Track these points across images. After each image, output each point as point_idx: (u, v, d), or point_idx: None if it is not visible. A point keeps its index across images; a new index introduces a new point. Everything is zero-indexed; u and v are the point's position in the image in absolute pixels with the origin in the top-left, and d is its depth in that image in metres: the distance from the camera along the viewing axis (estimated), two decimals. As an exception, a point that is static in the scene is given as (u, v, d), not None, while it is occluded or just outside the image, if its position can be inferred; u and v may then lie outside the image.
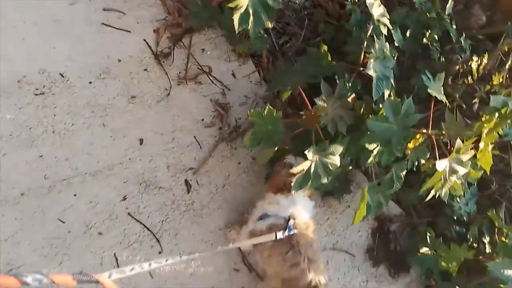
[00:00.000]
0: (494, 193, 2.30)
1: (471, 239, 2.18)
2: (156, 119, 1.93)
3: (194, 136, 1.99)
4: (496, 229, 2.17)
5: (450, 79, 2.11)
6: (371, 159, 1.80)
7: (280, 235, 1.60)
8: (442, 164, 1.59)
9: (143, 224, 1.83)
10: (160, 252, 1.84)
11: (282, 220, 1.70)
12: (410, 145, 1.82)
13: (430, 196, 1.74)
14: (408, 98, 1.63)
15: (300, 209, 1.69)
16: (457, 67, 2.15)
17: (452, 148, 1.65)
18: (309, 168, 1.61)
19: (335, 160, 1.63)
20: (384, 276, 2.31)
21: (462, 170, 1.72)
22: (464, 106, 2.00)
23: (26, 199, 1.67)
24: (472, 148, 1.72)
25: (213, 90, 2.08)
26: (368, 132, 1.64)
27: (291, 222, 1.67)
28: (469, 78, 2.04)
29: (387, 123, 1.64)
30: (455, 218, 2.28)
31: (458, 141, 1.61)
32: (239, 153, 2.09)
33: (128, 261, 1.78)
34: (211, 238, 1.96)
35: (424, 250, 2.19)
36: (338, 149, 1.64)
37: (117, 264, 1.76)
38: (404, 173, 1.96)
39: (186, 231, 1.91)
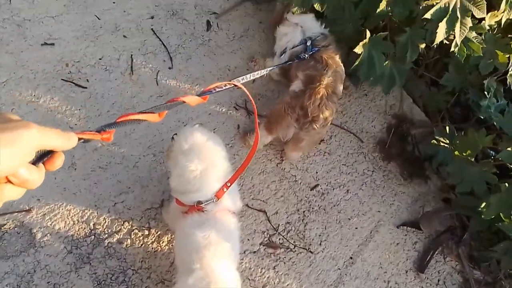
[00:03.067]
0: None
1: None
2: (195, -32, 2.52)
3: (225, -11, 2.53)
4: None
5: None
6: (382, 7, 2.07)
7: (302, 56, 1.97)
8: None
9: (162, 41, 2.35)
10: (170, 68, 2.32)
11: (299, 48, 2.07)
12: (429, 3, 2.05)
13: (440, 37, 1.91)
14: None
15: (309, 27, 2.04)
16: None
17: None
18: None
19: None
20: (393, 174, 2.44)
21: (477, 12, 1.90)
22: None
23: (77, -6, 2.31)
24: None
25: (251, -41, 2.63)
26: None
27: (308, 42, 2.03)
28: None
29: None
30: (485, 123, 2.33)
31: None
32: (263, 14, 2.57)
33: (141, 65, 2.28)
34: (218, 72, 2.38)
35: (440, 139, 2.26)
36: None
37: (132, 64, 2.26)
38: (423, 45, 2.20)
39: (198, 59, 2.37)
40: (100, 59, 2.26)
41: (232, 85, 1.22)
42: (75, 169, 2.02)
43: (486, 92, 2.28)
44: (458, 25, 1.88)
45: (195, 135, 1.56)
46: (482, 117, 2.32)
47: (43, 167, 0.61)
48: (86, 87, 2.18)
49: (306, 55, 2.02)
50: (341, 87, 2.01)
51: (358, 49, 2.11)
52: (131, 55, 2.31)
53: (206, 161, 1.54)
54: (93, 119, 2.13)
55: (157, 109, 0.87)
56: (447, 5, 1.85)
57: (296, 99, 1.96)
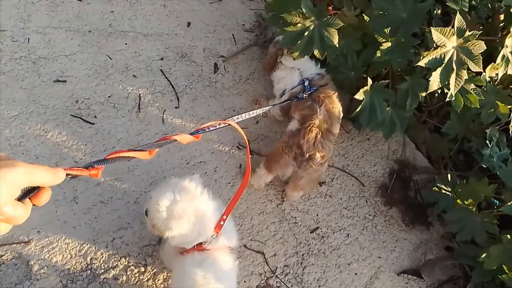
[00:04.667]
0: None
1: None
2: (205, 13, 2.74)
3: (232, 34, 2.72)
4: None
5: None
6: (379, 54, 2.22)
7: (300, 96, 2.13)
8: (439, 36, 1.95)
9: (170, 82, 2.50)
10: (176, 107, 2.46)
11: (297, 88, 2.20)
12: (427, 54, 2.16)
13: (433, 86, 2.04)
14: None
15: (305, 68, 2.18)
16: None
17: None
18: (305, 30, 2.10)
19: (333, 34, 2.07)
20: (395, 220, 2.48)
21: (473, 66, 2.02)
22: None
23: (91, 35, 2.51)
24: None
25: (258, 6, 2.85)
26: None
27: (306, 83, 2.17)
28: None
29: (394, 5, 2.09)
30: (488, 172, 2.40)
31: (458, 16, 1.95)
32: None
33: (148, 103, 2.42)
34: (223, 113, 2.51)
35: (441, 187, 2.32)
36: (338, 23, 2.08)
37: (139, 103, 2.40)
38: (423, 94, 2.33)
39: (204, 100, 2.51)
40: (109, 96, 2.40)
41: (226, 124, 1.29)
42: (77, 202, 2.09)
43: (488, 141, 2.36)
44: (453, 76, 1.99)
45: (164, 199, 1.57)
46: (485, 166, 2.38)
47: (29, 202, 0.64)
48: (93, 123, 2.30)
49: (305, 95, 2.14)
50: (337, 126, 2.10)
51: (359, 96, 2.23)
52: (139, 94, 2.45)
53: (192, 208, 1.58)
54: (98, 155, 2.23)
55: (148, 147, 0.94)
56: (442, 56, 1.98)
57: (293, 138, 2.06)
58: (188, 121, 2.45)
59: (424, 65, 1.97)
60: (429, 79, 2.03)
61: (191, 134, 1.12)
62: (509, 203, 2.03)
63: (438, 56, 1.97)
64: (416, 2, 2.10)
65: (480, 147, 2.41)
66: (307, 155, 1.99)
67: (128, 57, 2.54)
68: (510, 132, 2.37)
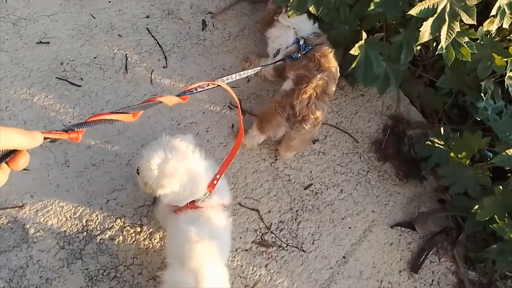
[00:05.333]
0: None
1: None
2: (191, -33, 2.62)
3: (221, -12, 2.62)
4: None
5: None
6: (373, 7, 2.15)
7: (295, 56, 2.08)
8: None
9: (157, 41, 2.44)
10: (164, 67, 2.42)
11: (292, 47, 2.15)
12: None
13: (424, 37, 2.00)
14: None
15: (301, 27, 2.12)
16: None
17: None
18: None
19: None
20: (389, 174, 2.51)
21: (466, 18, 1.98)
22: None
23: (73, -7, 2.41)
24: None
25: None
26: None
27: (301, 42, 2.11)
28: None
29: None
30: (483, 125, 2.39)
31: None
32: (259, 14, 2.65)
33: (135, 64, 2.38)
34: (213, 72, 2.48)
35: (434, 141, 2.33)
36: None
37: (126, 63, 2.35)
38: (418, 48, 2.28)
39: (193, 59, 2.46)
40: (94, 57, 2.35)
41: (215, 85, 1.27)
42: (68, 166, 2.10)
43: (483, 94, 2.35)
44: (445, 27, 1.96)
45: (155, 157, 1.57)
46: (479, 119, 2.39)
47: (6, 166, 0.63)
48: (80, 86, 2.27)
49: (299, 54, 2.10)
50: (333, 87, 2.08)
51: (354, 51, 2.19)
52: (126, 54, 2.40)
53: (184, 167, 1.59)
54: (86, 117, 2.21)
55: (132, 109, 0.91)
56: (435, 6, 1.93)
57: (287, 98, 2.03)
58: (177, 81, 2.42)
59: (415, 15, 1.93)
60: (409, 11, 1.99)
61: (178, 95, 1.10)
62: (502, 153, 2.06)
63: (431, 6, 1.93)
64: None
65: (475, 100, 2.40)
66: (300, 116, 1.97)
67: (112, 15, 2.47)
68: (506, 84, 2.35)
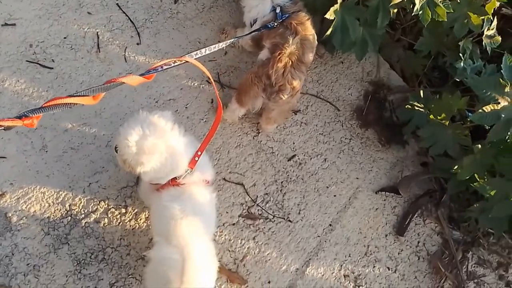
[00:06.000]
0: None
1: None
2: None
3: (191, -41, 2.53)
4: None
5: None
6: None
7: (271, 25, 2.02)
8: None
9: (128, 16, 2.38)
10: (138, 44, 2.36)
11: (269, 16, 2.09)
12: None
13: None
14: None
15: None
16: None
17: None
18: None
19: None
20: (371, 141, 2.54)
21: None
22: None
23: (36, -29, 2.31)
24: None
25: None
26: None
27: (277, 10, 2.06)
28: None
29: None
30: (463, 86, 2.40)
31: None
32: (233, -17, 2.57)
33: (108, 42, 2.31)
34: (189, 46, 2.43)
35: (414, 104, 2.34)
36: None
37: (98, 42, 2.29)
38: (394, 10, 2.25)
39: (167, 33, 2.41)
40: (65, 38, 2.28)
41: (183, 61, 1.24)
42: (47, 151, 2.08)
43: (461, 54, 2.35)
44: (419, -13, 1.94)
45: (133, 134, 1.56)
46: (458, 80, 2.40)
47: None
48: (52, 68, 2.22)
49: (275, 23, 2.06)
50: (310, 55, 2.07)
51: (330, 15, 2.17)
52: (97, 32, 2.34)
53: (163, 144, 1.59)
54: (61, 100, 2.17)
55: (92, 91, 0.88)
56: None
57: (263, 68, 2.01)
58: (152, 57, 2.38)
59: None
60: None
61: (142, 74, 1.07)
62: (479, 110, 2.09)
63: (404, -35, 1.91)
64: None
65: (454, 60, 2.41)
66: (277, 86, 1.96)
67: (80, -8, 2.39)
68: (483, 43, 2.36)
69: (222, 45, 1.80)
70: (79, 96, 0.85)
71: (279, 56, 1.90)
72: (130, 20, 2.40)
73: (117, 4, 2.42)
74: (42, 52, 2.24)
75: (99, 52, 2.30)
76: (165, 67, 1.22)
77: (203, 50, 1.47)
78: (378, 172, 2.50)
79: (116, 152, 1.66)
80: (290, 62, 1.92)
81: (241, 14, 2.41)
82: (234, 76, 2.46)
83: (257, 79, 2.02)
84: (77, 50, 2.28)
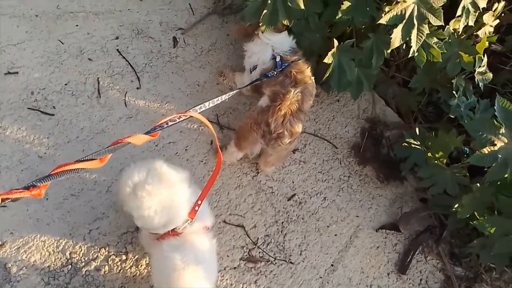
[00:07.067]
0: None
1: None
2: (157, -17, 2.59)
3: (189, 3, 2.62)
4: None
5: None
6: (340, 14, 2.16)
7: (271, 74, 2.07)
8: None
9: (128, 62, 2.42)
10: (138, 88, 2.39)
11: (269, 64, 2.13)
12: (389, 8, 2.12)
13: (395, 41, 2.02)
14: None
15: (279, 44, 2.12)
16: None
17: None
18: None
19: None
20: (370, 178, 2.54)
21: (434, 20, 2.01)
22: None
23: (39, 20, 2.39)
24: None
25: (214, -30, 2.71)
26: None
27: (277, 58, 2.10)
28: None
29: None
30: (458, 122, 2.44)
31: None
32: (230, 26, 2.66)
33: (108, 87, 2.35)
34: (188, 89, 2.46)
35: (411, 142, 2.37)
36: None
37: (98, 87, 2.32)
38: (388, 51, 2.30)
39: (166, 77, 2.45)
40: (66, 84, 2.31)
41: (187, 117, 1.26)
42: (47, 198, 2.07)
43: (455, 92, 2.40)
44: (414, 31, 1.99)
45: (135, 176, 1.53)
46: (453, 116, 2.44)
47: None
48: (53, 114, 2.24)
49: (275, 72, 2.09)
50: (309, 103, 2.09)
51: (328, 59, 2.20)
52: (98, 77, 2.37)
53: (162, 196, 1.53)
54: (62, 147, 2.19)
55: (98, 154, 0.89)
56: (403, 12, 1.96)
57: (262, 115, 2.03)
58: (152, 101, 2.40)
59: (385, 23, 1.96)
60: (380, 20, 2.02)
61: (147, 132, 1.08)
62: (477, 152, 2.11)
63: (399, 12, 1.96)
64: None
65: (448, 97, 2.45)
66: (275, 134, 1.98)
67: (81, 39, 2.43)
68: (476, 80, 2.41)
69: (224, 97, 1.81)
70: (86, 160, 0.86)
71: (279, 106, 1.92)
72: (130, 65, 2.44)
73: (117, 49, 2.46)
74: (44, 99, 2.26)
75: (100, 97, 2.33)
76: (170, 123, 1.23)
77: (206, 103, 1.49)
78: (378, 209, 2.50)
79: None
80: (290, 111, 1.94)
81: (239, 58, 2.46)
82: (232, 117, 2.49)
83: (256, 125, 2.04)
84: (78, 96, 2.31)
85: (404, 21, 1.98)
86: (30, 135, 2.18)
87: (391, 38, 2.14)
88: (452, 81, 2.40)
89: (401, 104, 2.75)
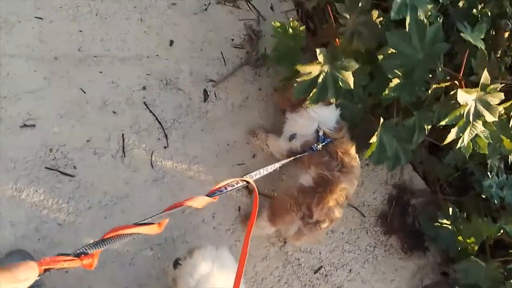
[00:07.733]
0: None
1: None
2: (189, 28, 2.40)
3: (221, 52, 2.43)
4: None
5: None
6: (387, 91, 2.06)
7: (315, 148, 1.96)
8: (464, 96, 1.81)
9: (156, 117, 2.23)
10: (165, 147, 2.22)
11: (311, 137, 2.00)
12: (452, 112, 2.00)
13: (449, 138, 1.94)
14: (436, 22, 1.92)
15: (326, 119, 1.99)
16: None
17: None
18: (318, 76, 1.91)
19: (347, 77, 1.93)
20: (395, 249, 2.50)
21: (489, 116, 1.93)
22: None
23: (58, 63, 2.15)
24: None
25: (248, 16, 2.54)
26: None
27: (320, 133, 1.97)
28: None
29: (410, 46, 1.94)
30: (484, 197, 2.40)
31: (485, 74, 1.84)
32: (262, 80, 2.49)
33: (133, 145, 2.16)
34: (217, 149, 2.32)
35: (443, 222, 2.32)
36: (352, 65, 1.93)
37: (123, 144, 2.14)
38: (429, 127, 2.22)
39: (195, 136, 2.28)
40: (88, 141, 2.11)
41: (245, 183, 1.32)
42: (66, 271, 1.91)
43: (489, 172, 2.35)
44: (468, 128, 1.93)
45: (202, 267, 1.53)
46: (484, 196, 2.40)
47: None
48: (73, 175, 2.05)
49: (319, 147, 1.98)
50: (354, 187, 2.00)
51: (373, 139, 2.10)
52: (123, 134, 2.18)
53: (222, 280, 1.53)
54: (83, 213, 2.02)
55: (157, 218, 0.83)
56: (462, 112, 1.88)
57: (304, 196, 1.94)
58: (179, 162, 2.24)
59: (445, 123, 1.87)
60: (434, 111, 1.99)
61: (208, 195, 1.09)
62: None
63: (458, 114, 1.88)
64: (435, 43, 1.94)
65: (480, 177, 2.41)
66: (315, 219, 1.89)
67: (105, 88, 2.22)
68: (509, 161, 2.37)
69: (277, 165, 1.79)
70: (144, 224, 0.78)
71: (326, 198, 1.83)
72: (158, 121, 2.26)
73: (144, 102, 2.26)
74: (63, 157, 2.06)
75: (125, 156, 2.15)
76: (229, 188, 1.28)
77: (261, 170, 1.55)
78: (400, 281, 2.47)
79: (174, 267, 1.60)
80: (336, 203, 1.85)
81: (269, 115, 2.34)
82: (262, 181, 2.35)
83: (297, 207, 1.94)
84: (101, 155, 2.12)
85: (462, 120, 1.90)
86: (48, 199, 2.00)
87: (433, 114, 2.07)
88: (488, 161, 2.35)
89: (428, 171, 2.69)
